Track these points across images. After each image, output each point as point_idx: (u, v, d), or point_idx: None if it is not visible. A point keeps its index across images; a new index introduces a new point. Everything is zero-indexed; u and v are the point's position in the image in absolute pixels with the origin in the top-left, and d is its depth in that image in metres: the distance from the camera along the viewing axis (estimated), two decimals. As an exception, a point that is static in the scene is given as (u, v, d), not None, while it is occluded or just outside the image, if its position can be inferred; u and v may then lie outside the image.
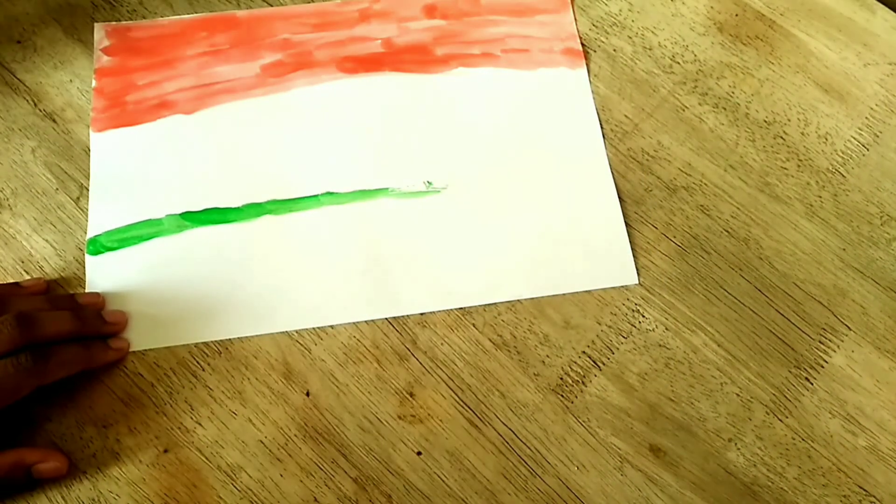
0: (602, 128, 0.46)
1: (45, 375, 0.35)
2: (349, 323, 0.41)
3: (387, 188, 0.44)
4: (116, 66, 0.46)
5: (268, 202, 0.43)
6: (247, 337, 0.40)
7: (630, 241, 0.43)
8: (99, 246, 0.42)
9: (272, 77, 0.47)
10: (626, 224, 0.44)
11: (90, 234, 0.42)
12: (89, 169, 0.44)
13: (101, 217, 0.42)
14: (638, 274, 0.42)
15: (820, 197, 0.45)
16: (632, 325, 0.41)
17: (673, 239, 0.43)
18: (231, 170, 0.44)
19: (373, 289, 0.41)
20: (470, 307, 0.41)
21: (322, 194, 0.43)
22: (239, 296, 0.41)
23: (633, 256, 0.43)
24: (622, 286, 0.42)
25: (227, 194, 0.43)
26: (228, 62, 0.47)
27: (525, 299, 0.42)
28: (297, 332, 0.41)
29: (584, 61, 0.48)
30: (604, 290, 0.42)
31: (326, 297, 0.41)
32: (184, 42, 0.47)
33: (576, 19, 0.49)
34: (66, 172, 0.44)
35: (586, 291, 0.42)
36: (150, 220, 0.43)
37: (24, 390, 0.35)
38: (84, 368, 0.38)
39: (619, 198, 0.44)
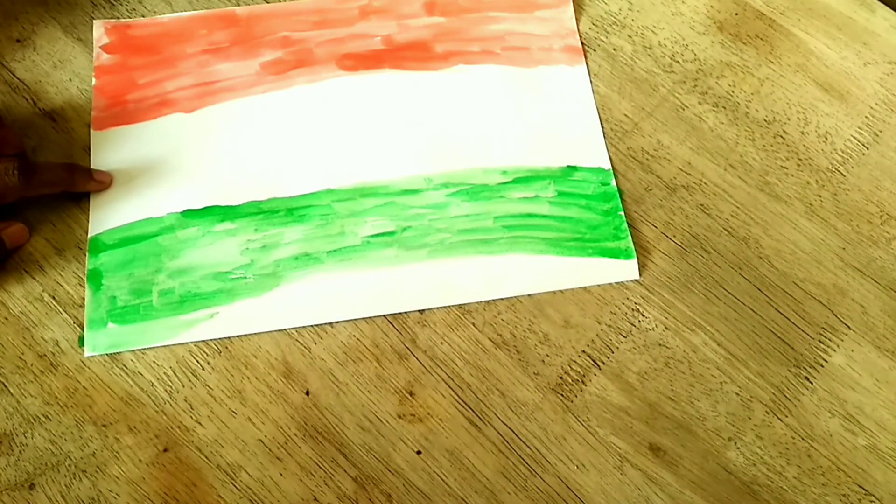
0: (602, 125, 0.46)
1: (27, 189, 0.40)
2: (347, 320, 0.41)
3: (386, 185, 0.44)
4: (116, 65, 0.46)
5: (268, 200, 0.43)
6: (246, 336, 0.40)
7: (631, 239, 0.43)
8: (100, 244, 0.42)
9: (272, 75, 0.47)
10: (626, 223, 0.44)
11: (91, 232, 0.42)
12: (89, 167, 0.44)
13: (103, 215, 0.43)
14: (639, 271, 0.42)
15: (820, 196, 0.45)
16: (631, 324, 0.41)
17: (673, 238, 0.43)
18: (231, 168, 0.44)
19: (373, 286, 0.41)
20: (469, 306, 0.41)
21: (322, 191, 0.44)
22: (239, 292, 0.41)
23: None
24: (621, 284, 0.42)
25: (227, 192, 0.43)
26: (228, 60, 0.47)
27: (524, 298, 0.42)
28: (296, 331, 0.41)
29: (583, 58, 0.48)
30: (603, 289, 0.42)
31: (326, 295, 0.41)
32: (183, 40, 0.47)
33: (576, 15, 0.49)
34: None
35: (586, 290, 0.42)
36: (151, 218, 0.43)
37: (7, 198, 0.39)
38: (65, 190, 0.42)
39: (620, 196, 0.44)
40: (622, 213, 0.43)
